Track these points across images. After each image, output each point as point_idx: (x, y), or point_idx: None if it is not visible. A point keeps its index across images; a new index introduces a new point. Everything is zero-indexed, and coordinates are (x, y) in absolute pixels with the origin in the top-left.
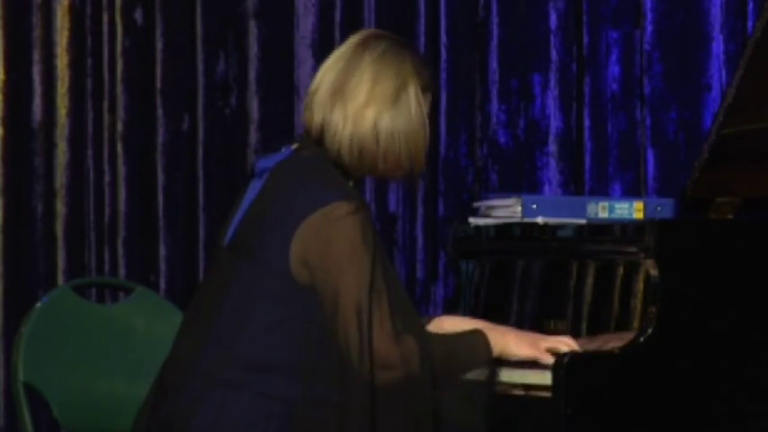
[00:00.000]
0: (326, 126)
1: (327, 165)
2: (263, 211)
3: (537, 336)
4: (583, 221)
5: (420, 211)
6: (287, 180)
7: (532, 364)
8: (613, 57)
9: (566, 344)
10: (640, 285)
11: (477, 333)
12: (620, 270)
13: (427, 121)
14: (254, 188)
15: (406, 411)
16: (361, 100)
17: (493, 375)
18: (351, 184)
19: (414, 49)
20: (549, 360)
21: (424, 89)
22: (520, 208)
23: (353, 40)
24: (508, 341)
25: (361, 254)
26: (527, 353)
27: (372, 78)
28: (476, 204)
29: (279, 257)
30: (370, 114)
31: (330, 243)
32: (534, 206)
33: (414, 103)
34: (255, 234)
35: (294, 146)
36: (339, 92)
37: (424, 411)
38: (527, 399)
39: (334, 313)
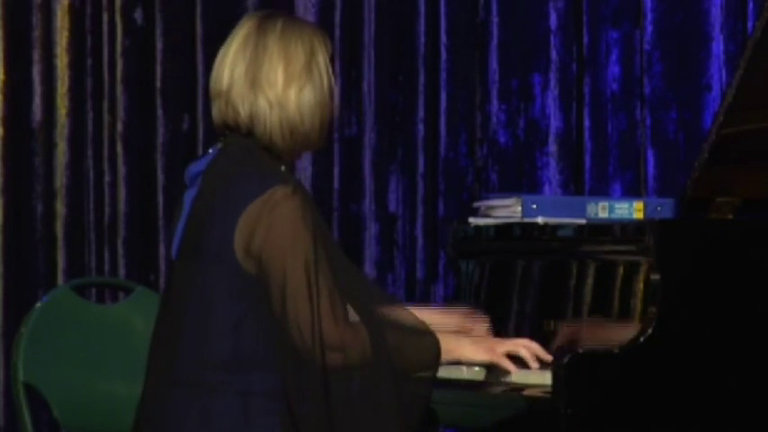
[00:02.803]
0: (255, 117)
1: (257, 154)
2: (203, 214)
3: (494, 340)
4: (583, 221)
5: (420, 211)
6: (221, 178)
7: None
8: (613, 57)
9: (523, 345)
10: (640, 285)
11: (431, 336)
12: (620, 270)
13: (336, 90)
14: (189, 196)
15: (363, 397)
16: (280, 83)
17: (430, 379)
18: (283, 168)
19: (306, 20)
20: (508, 364)
21: (330, 57)
22: (520, 208)
23: (247, 27)
24: (464, 347)
25: (302, 235)
26: (483, 357)
27: (283, 57)
28: (476, 204)
29: (225, 253)
30: (292, 95)
31: (271, 228)
32: (534, 206)
33: (324, 71)
34: (200, 237)
35: (219, 144)
36: (256, 81)
37: (384, 399)
38: (527, 399)
39: (282, 298)
